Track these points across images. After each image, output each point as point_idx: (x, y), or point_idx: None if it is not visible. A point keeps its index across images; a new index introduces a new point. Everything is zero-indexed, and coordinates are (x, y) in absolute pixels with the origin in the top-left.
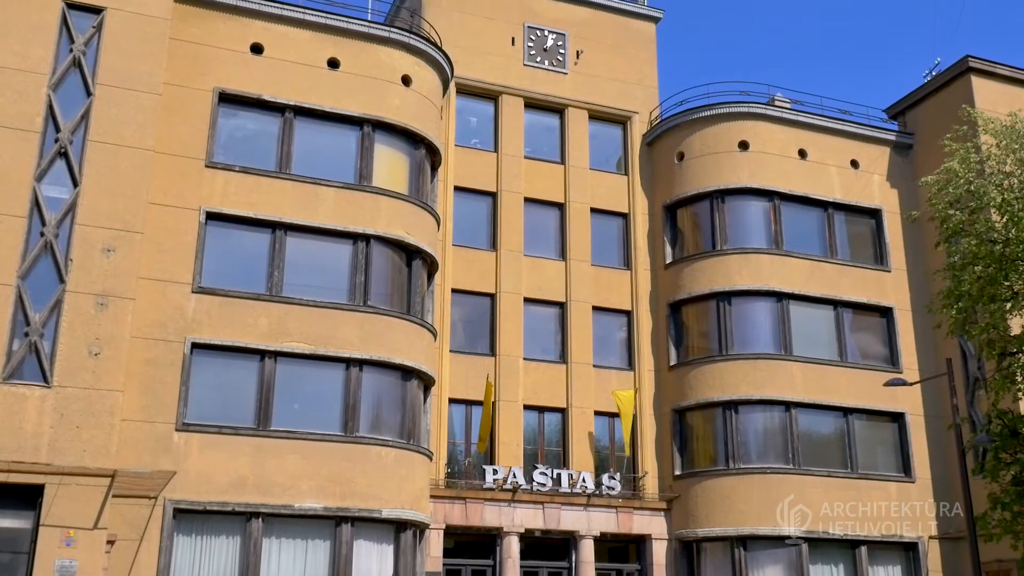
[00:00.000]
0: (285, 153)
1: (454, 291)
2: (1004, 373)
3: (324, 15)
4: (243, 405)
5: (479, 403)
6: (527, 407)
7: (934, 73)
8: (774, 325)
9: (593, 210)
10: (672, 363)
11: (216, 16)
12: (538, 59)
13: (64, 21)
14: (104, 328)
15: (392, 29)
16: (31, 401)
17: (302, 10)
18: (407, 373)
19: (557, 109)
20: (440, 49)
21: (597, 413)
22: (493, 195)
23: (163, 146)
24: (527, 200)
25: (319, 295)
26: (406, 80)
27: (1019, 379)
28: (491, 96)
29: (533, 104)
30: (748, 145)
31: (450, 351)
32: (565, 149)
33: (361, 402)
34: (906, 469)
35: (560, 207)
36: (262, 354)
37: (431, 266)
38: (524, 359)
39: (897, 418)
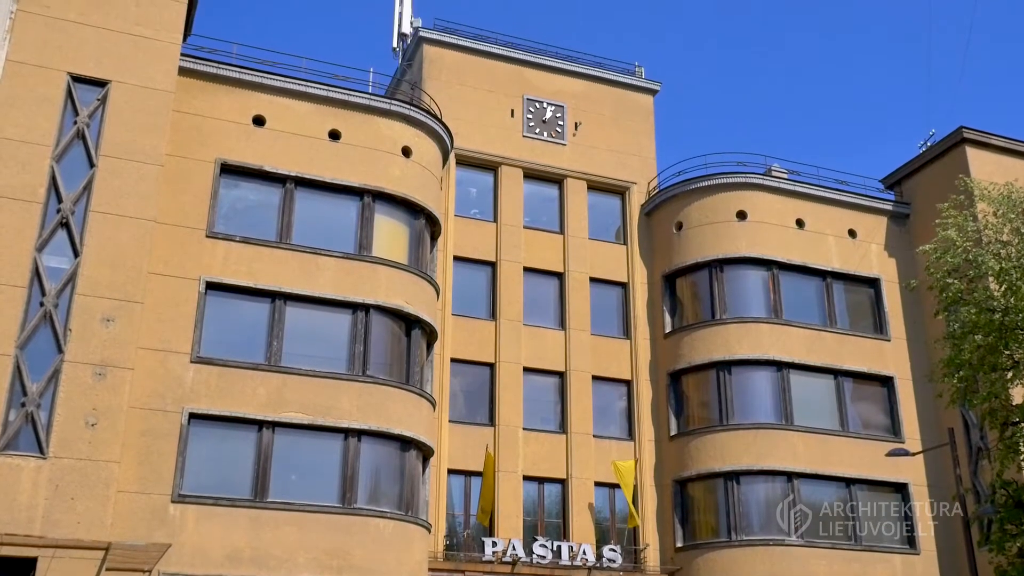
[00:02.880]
0: (286, 223)
1: (453, 360)
2: (1007, 443)
3: (325, 88)
4: (240, 476)
5: (478, 474)
6: (527, 478)
7: (929, 144)
8: (775, 395)
9: (592, 279)
10: (672, 433)
11: (219, 89)
12: (537, 131)
13: (69, 94)
14: (101, 398)
15: (393, 101)
16: (26, 472)
17: (304, 83)
18: (406, 443)
19: (556, 180)
20: (440, 121)
21: (597, 484)
22: (492, 265)
23: (164, 216)
24: (526, 270)
25: (318, 365)
26: (406, 151)
27: (1023, 449)
28: (490, 167)
29: (532, 175)
30: (746, 215)
31: (449, 421)
32: (564, 219)
33: (359, 473)
34: (911, 541)
35: (559, 276)
36: (260, 424)
37: (430, 336)
38: (524, 429)
39: (900, 489)
